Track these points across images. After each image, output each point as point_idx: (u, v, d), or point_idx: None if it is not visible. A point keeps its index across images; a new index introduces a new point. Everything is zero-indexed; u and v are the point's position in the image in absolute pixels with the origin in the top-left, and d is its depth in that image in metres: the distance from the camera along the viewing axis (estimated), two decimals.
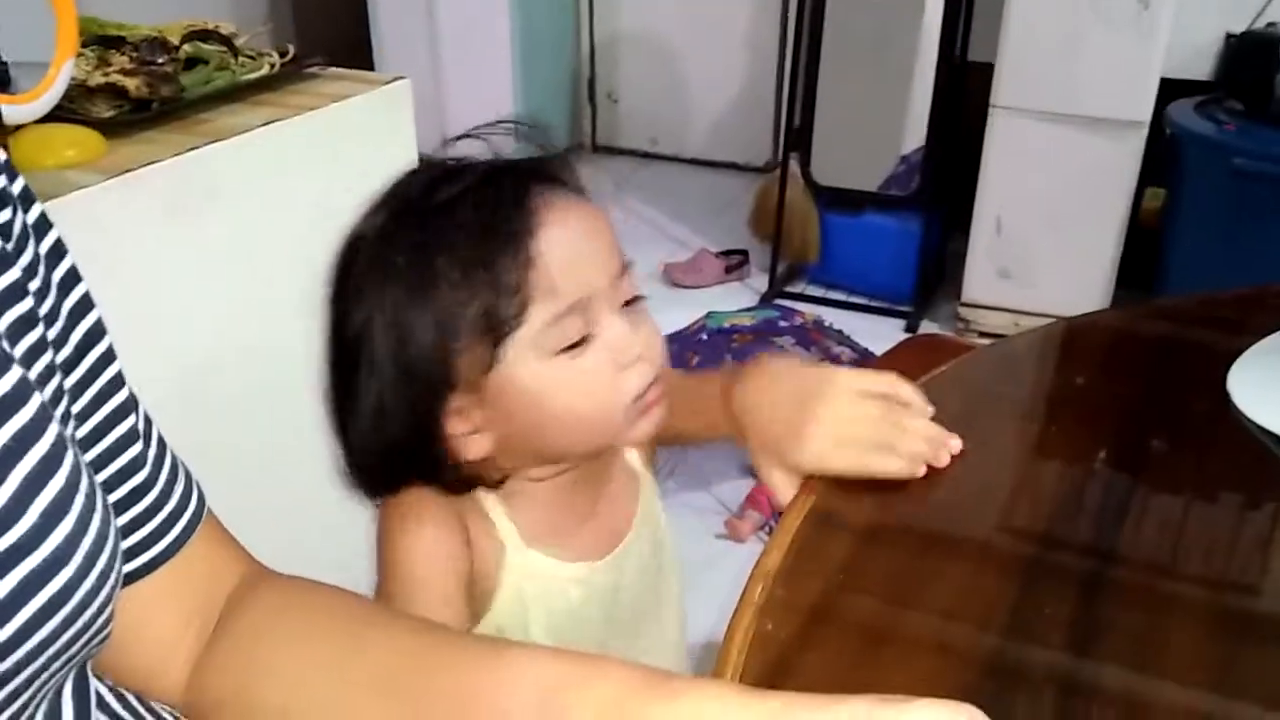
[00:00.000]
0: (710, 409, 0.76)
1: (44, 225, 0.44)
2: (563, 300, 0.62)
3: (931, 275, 2.80)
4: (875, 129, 2.82)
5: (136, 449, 0.47)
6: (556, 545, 0.72)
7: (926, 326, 2.72)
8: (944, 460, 0.68)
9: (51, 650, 0.36)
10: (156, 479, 0.48)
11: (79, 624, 0.37)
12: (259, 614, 0.51)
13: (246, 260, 1.13)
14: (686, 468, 2.01)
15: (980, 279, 2.61)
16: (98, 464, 0.45)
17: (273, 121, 1.14)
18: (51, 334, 0.42)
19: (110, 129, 1.08)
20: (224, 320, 1.14)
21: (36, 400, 0.37)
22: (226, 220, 1.10)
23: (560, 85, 3.74)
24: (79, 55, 1.14)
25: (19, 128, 1.01)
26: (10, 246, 0.40)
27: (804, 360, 2.01)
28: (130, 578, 0.47)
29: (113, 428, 0.46)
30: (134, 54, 1.20)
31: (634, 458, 0.80)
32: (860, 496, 0.65)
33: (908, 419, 0.69)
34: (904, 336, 2.64)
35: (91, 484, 0.39)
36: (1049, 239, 2.51)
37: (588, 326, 0.64)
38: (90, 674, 0.45)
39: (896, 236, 2.73)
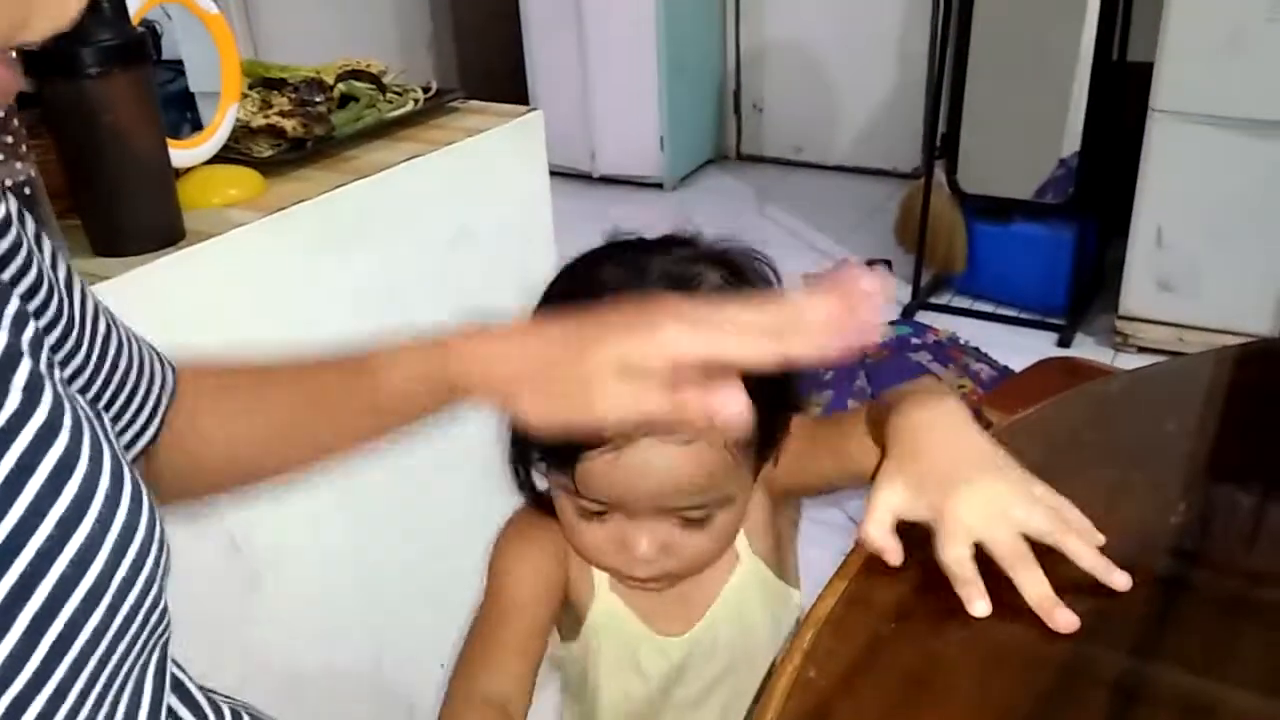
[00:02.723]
0: (851, 439, 0.70)
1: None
2: (588, 496, 0.65)
3: (1087, 287, 2.69)
4: (1030, 133, 2.73)
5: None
6: (639, 603, 0.74)
7: (1080, 340, 2.62)
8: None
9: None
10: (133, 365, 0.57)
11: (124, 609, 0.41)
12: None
13: (389, 291, 1.21)
14: None
15: (1139, 291, 2.49)
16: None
17: (414, 157, 1.21)
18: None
19: (268, 167, 1.17)
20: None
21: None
22: (372, 253, 1.18)
23: (705, 97, 3.78)
24: (244, 97, 1.24)
25: (189, 169, 1.11)
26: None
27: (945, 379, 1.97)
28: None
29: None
30: (293, 95, 1.30)
31: (741, 540, 0.75)
32: (921, 543, 0.62)
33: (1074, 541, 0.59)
34: (1056, 351, 2.55)
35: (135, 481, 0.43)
36: (1213, 249, 2.37)
37: (610, 510, 0.66)
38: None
39: (1048, 245, 2.63)
